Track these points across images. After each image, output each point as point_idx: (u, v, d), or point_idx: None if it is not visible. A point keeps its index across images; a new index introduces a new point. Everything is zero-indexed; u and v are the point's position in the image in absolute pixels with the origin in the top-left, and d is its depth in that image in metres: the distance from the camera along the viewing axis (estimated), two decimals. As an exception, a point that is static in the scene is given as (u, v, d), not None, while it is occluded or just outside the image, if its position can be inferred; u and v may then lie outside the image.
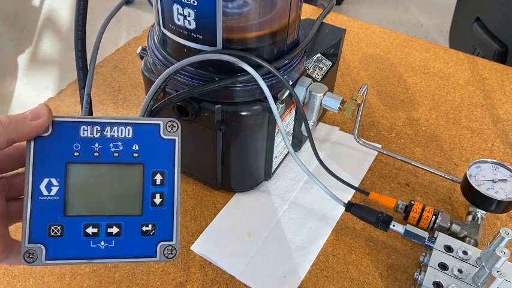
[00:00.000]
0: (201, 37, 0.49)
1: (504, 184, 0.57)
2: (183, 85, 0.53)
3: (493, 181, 0.57)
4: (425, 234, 0.54)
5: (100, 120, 0.39)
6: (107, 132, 0.38)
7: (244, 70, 0.50)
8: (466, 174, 0.58)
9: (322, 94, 0.59)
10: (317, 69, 0.66)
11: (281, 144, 0.63)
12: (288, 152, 0.68)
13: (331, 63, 0.68)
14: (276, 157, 0.64)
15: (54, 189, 0.37)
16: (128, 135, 0.39)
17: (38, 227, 0.37)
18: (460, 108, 0.79)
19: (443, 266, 0.52)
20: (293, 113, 0.62)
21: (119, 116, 0.39)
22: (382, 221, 0.56)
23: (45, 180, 0.37)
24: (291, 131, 0.64)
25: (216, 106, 0.54)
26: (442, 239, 0.54)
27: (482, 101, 0.80)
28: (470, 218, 0.59)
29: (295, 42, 0.57)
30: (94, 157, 0.38)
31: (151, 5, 0.53)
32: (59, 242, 0.37)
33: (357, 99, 0.60)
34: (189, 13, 0.47)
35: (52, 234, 0.37)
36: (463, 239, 0.57)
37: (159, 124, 0.39)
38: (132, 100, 0.79)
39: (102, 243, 0.38)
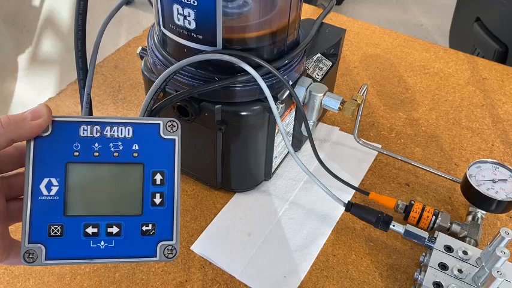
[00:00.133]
0: (201, 37, 0.49)
1: (504, 184, 0.57)
2: (183, 85, 0.53)
3: (493, 181, 0.57)
4: (426, 234, 0.54)
5: (100, 120, 0.39)
6: (106, 132, 0.38)
7: (244, 70, 0.50)
8: (466, 174, 0.58)
9: (322, 94, 0.59)
10: (317, 69, 0.66)
11: (281, 144, 0.63)
12: (288, 152, 0.68)
13: (331, 63, 0.67)
14: (276, 157, 0.64)
15: (54, 189, 0.37)
16: (128, 135, 0.39)
17: (37, 227, 0.37)
18: (460, 108, 0.79)
19: (443, 266, 0.52)
20: (293, 113, 0.62)
21: (118, 116, 0.39)
22: (382, 221, 0.56)
23: (45, 180, 0.37)
24: (291, 131, 0.64)
25: (216, 106, 0.54)
26: (442, 239, 0.54)
27: (482, 101, 0.80)
28: (470, 218, 0.59)
29: (295, 42, 0.57)
30: (94, 157, 0.38)
31: (151, 5, 0.53)
32: (58, 242, 0.37)
33: (357, 99, 0.60)
34: (189, 13, 0.47)
35: (52, 234, 0.37)
36: (463, 239, 0.57)
37: (159, 124, 0.39)
38: (132, 100, 0.79)
39: (102, 243, 0.38)
